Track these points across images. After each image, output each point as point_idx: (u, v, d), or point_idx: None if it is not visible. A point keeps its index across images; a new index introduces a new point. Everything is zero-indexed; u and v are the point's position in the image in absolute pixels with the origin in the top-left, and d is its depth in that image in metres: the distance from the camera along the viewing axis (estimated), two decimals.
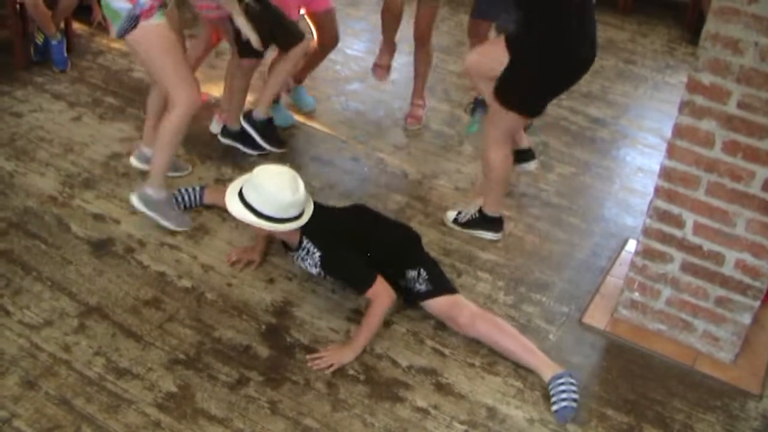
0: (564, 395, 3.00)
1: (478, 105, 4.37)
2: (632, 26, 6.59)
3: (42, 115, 4.66)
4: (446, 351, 3.27)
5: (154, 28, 3.44)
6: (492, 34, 4.28)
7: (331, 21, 4.67)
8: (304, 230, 3.24)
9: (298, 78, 4.92)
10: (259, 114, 4.21)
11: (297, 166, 3.91)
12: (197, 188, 3.95)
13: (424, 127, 4.86)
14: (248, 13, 3.82)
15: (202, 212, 3.92)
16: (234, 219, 3.79)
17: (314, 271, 3.32)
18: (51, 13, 5.11)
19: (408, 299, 3.41)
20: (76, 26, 5.60)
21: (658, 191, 3.16)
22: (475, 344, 3.29)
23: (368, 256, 3.29)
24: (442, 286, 3.37)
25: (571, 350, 3.30)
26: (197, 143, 4.38)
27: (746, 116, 2.83)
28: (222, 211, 3.90)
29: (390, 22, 4.66)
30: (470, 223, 3.93)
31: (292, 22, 4.10)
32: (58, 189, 4.02)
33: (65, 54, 5.21)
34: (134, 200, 3.74)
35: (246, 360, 3.15)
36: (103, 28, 5.70)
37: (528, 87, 3.46)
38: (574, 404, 2.99)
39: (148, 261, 3.61)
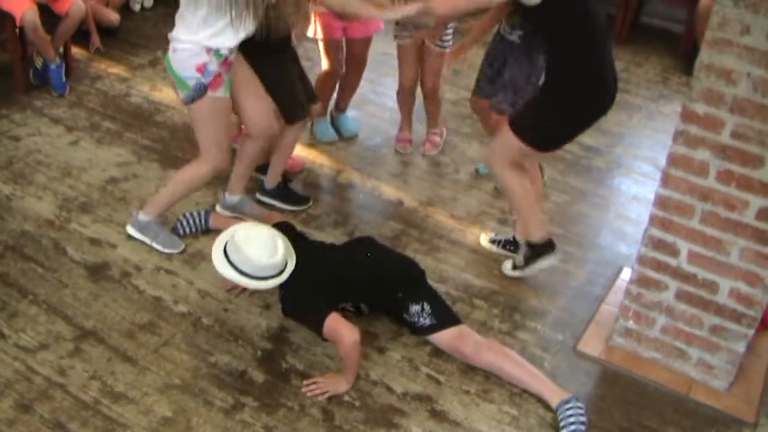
0: (572, 419, 3.02)
1: None
2: (627, 56, 6.64)
3: (40, 139, 4.67)
4: (441, 378, 3.27)
5: (218, 101, 3.50)
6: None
7: (366, 47, 4.76)
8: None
9: (340, 106, 5.03)
10: (271, 184, 4.24)
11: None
12: (202, 212, 3.97)
13: (419, 154, 4.89)
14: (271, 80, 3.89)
15: (199, 238, 3.93)
16: None
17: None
18: (50, 38, 5.14)
19: (413, 333, 3.43)
20: (75, 51, 5.63)
21: (653, 220, 3.18)
22: (470, 371, 3.30)
23: (365, 293, 3.37)
24: (445, 318, 3.38)
25: (565, 378, 3.31)
26: None
27: (740, 146, 2.86)
28: (218, 235, 3.91)
29: (406, 101, 4.86)
30: (528, 260, 3.80)
31: (300, 99, 4.09)
32: (55, 213, 4.03)
33: (64, 78, 5.24)
34: (128, 228, 3.86)
35: (241, 385, 3.15)
36: (101, 53, 5.75)
37: (554, 122, 3.46)
38: (582, 427, 3.01)
39: (144, 286, 3.61)
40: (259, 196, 4.26)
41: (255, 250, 3.09)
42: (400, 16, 3.64)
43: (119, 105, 5.16)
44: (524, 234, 3.78)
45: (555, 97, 3.41)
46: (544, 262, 3.75)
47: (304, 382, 3.17)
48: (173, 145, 4.71)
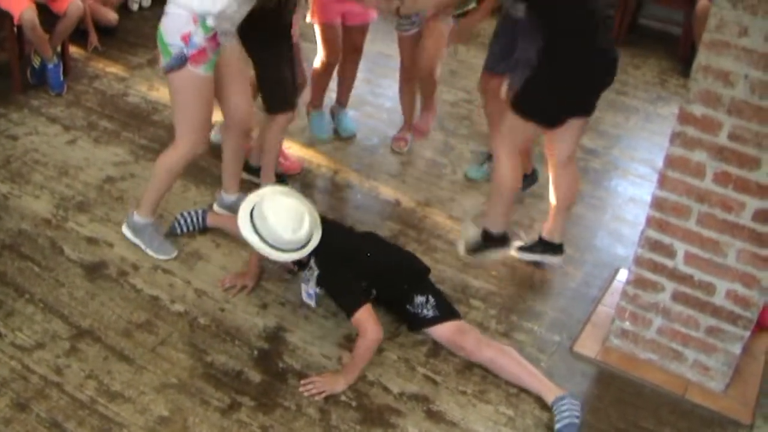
0: (566, 413, 3.04)
1: (488, 160, 4.40)
2: (624, 58, 6.59)
3: (37, 138, 4.67)
4: (438, 378, 3.28)
5: (198, 79, 3.46)
6: (503, 89, 4.26)
7: (362, 37, 4.77)
8: (313, 250, 3.27)
9: (341, 101, 5.03)
10: (265, 185, 4.06)
11: None
12: (199, 212, 3.96)
13: (417, 155, 4.89)
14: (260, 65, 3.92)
15: (196, 238, 3.93)
16: (227, 245, 3.84)
17: (311, 291, 3.36)
18: (48, 37, 5.14)
19: (414, 325, 3.45)
20: (73, 50, 5.63)
21: (650, 221, 3.18)
22: (467, 371, 3.30)
23: (376, 279, 3.37)
24: (448, 312, 3.42)
25: (562, 379, 3.31)
26: (192, 168, 4.38)
27: (737, 147, 2.87)
28: (216, 237, 3.92)
29: (407, 93, 4.87)
30: (478, 249, 3.91)
31: (289, 91, 4.08)
32: (52, 212, 4.03)
33: (62, 77, 5.23)
34: (123, 228, 3.86)
35: (238, 385, 3.15)
36: (99, 52, 5.74)
37: (556, 96, 3.48)
38: (576, 421, 3.03)
39: (141, 285, 3.61)
40: (223, 194, 4.21)
41: (280, 223, 3.14)
42: None
43: (117, 104, 5.16)
44: (486, 221, 3.88)
45: (553, 69, 3.42)
46: (494, 254, 3.89)
47: (302, 382, 3.17)
48: (170, 145, 4.69)
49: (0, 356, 3.16)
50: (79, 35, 5.63)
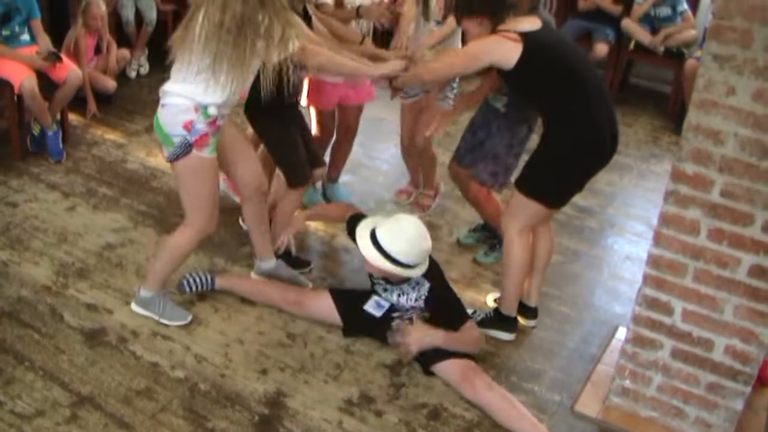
0: None
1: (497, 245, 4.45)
2: (617, 116, 6.72)
3: (37, 205, 4.71)
4: None
5: (204, 161, 3.48)
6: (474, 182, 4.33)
7: (357, 116, 4.83)
8: None
9: (332, 177, 5.03)
10: (269, 264, 4.17)
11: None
12: (208, 275, 3.97)
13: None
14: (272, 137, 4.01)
15: (195, 303, 3.94)
16: (226, 310, 3.85)
17: (409, 303, 3.60)
18: (48, 105, 5.21)
19: (428, 361, 3.55)
20: (72, 117, 5.71)
21: (647, 279, 3.20)
22: None
23: None
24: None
25: None
26: None
27: (729, 204, 2.90)
28: (215, 302, 3.93)
29: (408, 157, 4.94)
30: (484, 322, 3.87)
31: (303, 162, 4.13)
32: (52, 278, 4.04)
33: (61, 144, 5.29)
34: (133, 306, 3.83)
35: None
36: (98, 119, 5.81)
37: (555, 177, 3.56)
38: None
39: (141, 351, 3.61)
40: (258, 262, 4.26)
41: (409, 236, 3.44)
42: (390, 71, 3.78)
43: (115, 171, 5.21)
44: (500, 301, 3.89)
45: (551, 152, 3.51)
46: (499, 334, 3.87)
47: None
48: (169, 211, 4.73)
49: (0, 424, 3.15)
50: (77, 102, 5.70)
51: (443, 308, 3.62)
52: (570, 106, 3.45)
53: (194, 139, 3.40)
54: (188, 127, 3.37)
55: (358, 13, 4.33)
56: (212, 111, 3.39)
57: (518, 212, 3.66)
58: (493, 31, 3.46)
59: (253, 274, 4.15)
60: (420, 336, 3.50)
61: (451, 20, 4.21)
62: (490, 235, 4.54)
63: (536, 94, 3.56)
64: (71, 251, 4.29)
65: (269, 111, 3.77)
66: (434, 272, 3.64)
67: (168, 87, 3.43)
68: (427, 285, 3.58)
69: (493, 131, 4.05)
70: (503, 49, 3.38)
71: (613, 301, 4.26)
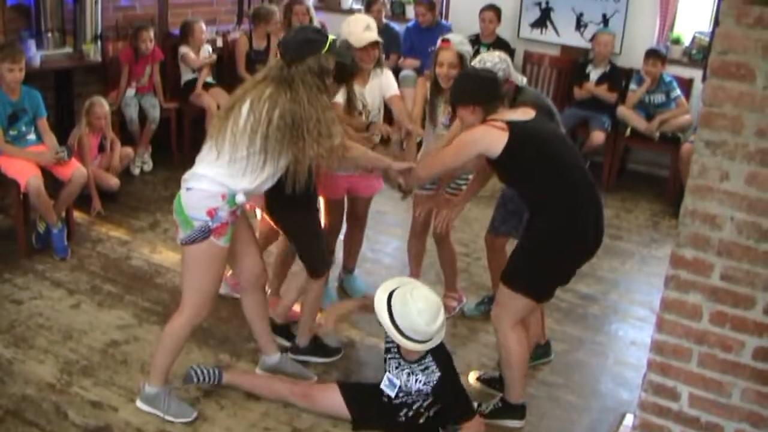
0: None
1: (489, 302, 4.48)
2: (616, 202, 6.80)
3: (42, 303, 4.73)
4: None
5: (217, 250, 3.53)
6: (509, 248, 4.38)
7: (367, 206, 4.88)
8: (432, 348, 3.57)
9: (348, 267, 5.08)
10: (304, 341, 4.27)
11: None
12: (215, 369, 3.96)
13: None
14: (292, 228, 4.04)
15: (200, 399, 3.91)
16: (231, 406, 3.83)
17: (416, 386, 3.59)
18: (53, 203, 5.28)
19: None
20: (77, 215, 5.76)
21: (651, 365, 3.19)
22: None
23: None
24: None
25: None
26: (196, 330, 4.43)
27: (730, 287, 2.91)
28: (220, 399, 3.92)
29: (415, 247, 4.93)
30: (494, 413, 3.88)
31: (324, 251, 4.18)
32: (57, 376, 4.03)
33: (65, 242, 5.35)
34: (138, 403, 3.81)
35: None
36: (102, 216, 5.87)
37: (539, 271, 3.60)
38: None
39: None
40: (292, 355, 4.24)
41: (419, 312, 3.44)
42: (407, 165, 3.87)
43: (120, 268, 5.24)
44: (506, 391, 3.88)
45: (536, 247, 3.56)
46: (509, 423, 3.86)
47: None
48: (174, 308, 4.65)
49: None
50: (82, 200, 5.77)
51: (450, 401, 3.61)
52: (555, 198, 3.51)
53: (215, 226, 3.45)
54: (212, 213, 3.43)
55: (369, 128, 4.39)
56: (240, 198, 3.46)
57: (508, 307, 3.68)
58: (484, 119, 3.56)
59: (258, 370, 4.14)
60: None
61: (458, 122, 4.30)
62: None
63: (522, 184, 3.64)
64: (76, 348, 4.29)
65: (296, 203, 3.79)
66: (445, 362, 3.62)
67: (198, 170, 3.49)
68: (437, 374, 3.57)
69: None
70: (490, 138, 3.48)
71: (620, 387, 4.24)
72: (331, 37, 3.52)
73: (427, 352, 3.56)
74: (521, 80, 4.27)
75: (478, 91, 3.62)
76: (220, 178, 3.43)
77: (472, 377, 4.17)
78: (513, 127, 3.46)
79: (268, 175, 3.48)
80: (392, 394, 3.67)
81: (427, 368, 3.59)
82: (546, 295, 3.76)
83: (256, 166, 3.42)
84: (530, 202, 3.66)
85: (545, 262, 3.57)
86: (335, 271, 5.00)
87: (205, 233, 3.46)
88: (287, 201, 3.72)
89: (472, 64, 4.23)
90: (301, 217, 4.01)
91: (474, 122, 3.61)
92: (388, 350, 3.72)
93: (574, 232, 3.52)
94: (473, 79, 3.75)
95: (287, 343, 4.32)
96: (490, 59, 4.14)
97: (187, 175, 3.52)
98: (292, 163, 3.47)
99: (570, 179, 3.53)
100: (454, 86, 3.85)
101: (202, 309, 3.66)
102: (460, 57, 4.28)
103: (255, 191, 3.52)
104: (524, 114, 3.56)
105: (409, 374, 3.64)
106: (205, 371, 3.91)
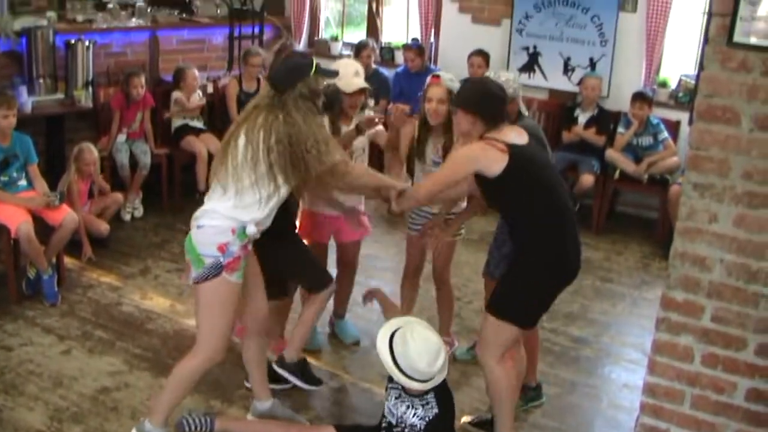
0: None
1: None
2: (606, 245, 6.82)
3: (32, 349, 4.69)
4: None
5: (230, 286, 3.53)
6: None
7: (355, 251, 4.88)
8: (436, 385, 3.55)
9: (339, 313, 5.05)
10: (293, 356, 4.24)
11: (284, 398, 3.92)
12: (208, 418, 3.90)
13: None
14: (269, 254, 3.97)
15: None
16: None
17: (412, 419, 3.55)
18: (44, 249, 5.27)
19: None
20: (67, 260, 5.74)
21: (644, 408, 3.19)
22: None
23: None
24: None
25: None
26: None
27: (721, 329, 2.93)
28: None
29: (408, 290, 4.88)
30: None
31: (320, 266, 4.22)
32: (47, 423, 4.00)
33: (56, 288, 5.32)
34: None
35: None
36: (93, 262, 5.85)
37: (527, 296, 3.60)
38: None
39: None
40: (275, 366, 4.20)
41: (419, 352, 3.43)
42: (403, 186, 3.86)
43: (111, 314, 5.21)
44: (497, 428, 3.83)
45: (522, 274, 3.58)
46: None
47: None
48: (165, 354, 4.72)
49: None
50: (72, 246, 5.76)
51: None
52: (544, 224, 3.52)
53: (227, 262, 3.45)
54: (223, 249, 3.44)
55: (359, 130, 4.38)
56: (250, 230, 3.47)
57: (492, 338, 3.66)
58: (482, 136, 3.54)
59: (249, 416, 4.11)
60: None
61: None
62: None
63: (512, 207, 3.62)
64: (66, 395, 4.25)
65: (277, 234, 3.81)
66: (446, 401, 3.60)
67: (207, 207, 3.52)
68: (435, 410, 3.55)
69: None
70: (490, 157, 3.44)
71: (613, 430, 4.22)
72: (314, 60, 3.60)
73: (431, 388, 3.55)
74: (524, 109, 4.31)
75: (484, 104, 3.56)
76: (229, 212, 3.45)
77: (464, 421, 4.14)
78: (513, 149, 3.45)
79: (276, 202, 3.51)
80: (394, 422, 3.64)
81: (427, 404, 3.57)
82: (532, 321, 3.75)
83: (263, 194, 3.45)
84: (518, 226, 3.63)
85: (534, 286, 3.57)
86: (325, 317, 4.98)
87: (217, 270, 3.46)
88: (273, 235, 3.75)
89: (486, 74, 4.27)
90: (290, 244, 4.09)
91: (468, 132, 3.58)
92: (390, 379, 3.70)
93: (562, 254, 3.54)
94: (484, 91, 3.65)
95: (305, 386, 4.26)
96: (505, 75, 4.16)
97: (197, 213, 3.53)
98: (299, 186, 3.56)
99: (559, 204, 3.56)
100: (462, 88, 3.82)
101: (216, 353, 3.63)
102: (450, 93, 4.30)
103: (266, 221, 3.53)
104: (520, 136, 3.55)
105: (408, 407, 3.61)
106: (198, 419, 3.87)
